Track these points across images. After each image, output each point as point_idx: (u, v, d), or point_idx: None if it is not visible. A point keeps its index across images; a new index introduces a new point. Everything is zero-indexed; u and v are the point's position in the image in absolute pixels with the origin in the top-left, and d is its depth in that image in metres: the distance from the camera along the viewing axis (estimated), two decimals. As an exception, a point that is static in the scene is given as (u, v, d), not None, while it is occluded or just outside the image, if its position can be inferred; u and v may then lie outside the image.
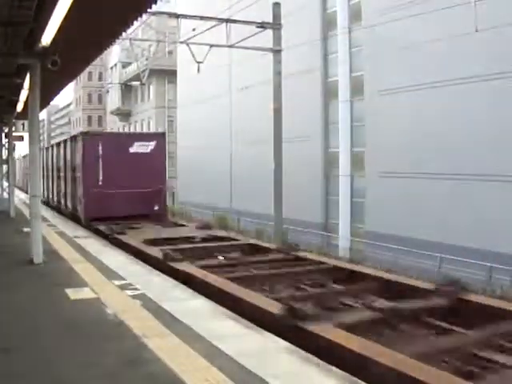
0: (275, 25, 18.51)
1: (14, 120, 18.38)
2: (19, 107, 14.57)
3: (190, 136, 38.00)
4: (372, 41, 20.94)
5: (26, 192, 29.94)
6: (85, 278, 7.52)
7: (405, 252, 16.68)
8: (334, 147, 24.14)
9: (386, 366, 4.12)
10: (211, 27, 18.43)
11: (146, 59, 35.58)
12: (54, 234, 12.75)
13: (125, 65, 51.62)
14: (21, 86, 11.52)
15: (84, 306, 6.09)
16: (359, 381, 3.87)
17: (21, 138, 20.35)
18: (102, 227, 13.18)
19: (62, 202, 18.98)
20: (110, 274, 7.86)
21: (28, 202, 12.29)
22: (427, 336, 5.57)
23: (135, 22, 8.45)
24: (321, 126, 24.86)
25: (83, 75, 60.94)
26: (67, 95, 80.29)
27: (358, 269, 8.58)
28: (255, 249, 10.65)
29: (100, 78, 71.25)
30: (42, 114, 61.54)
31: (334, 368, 4.08)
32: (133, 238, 11.40)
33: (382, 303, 6.49)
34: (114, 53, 51.68)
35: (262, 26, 18.28)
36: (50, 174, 22.03)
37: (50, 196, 22.38)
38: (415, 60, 18.65)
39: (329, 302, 6.73)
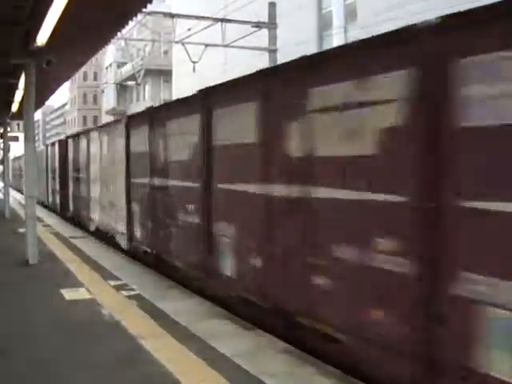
0: (271, 24, 18.53)
1: (8, 120, 18.33)
2: (14, 107, 14.54)
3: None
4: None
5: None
6: (80, 279, 7.50)
7: None
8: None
9: None
10: (207, 27, 18.44)
11: (142, 59, 35.52)
12: (49, 234, 12.70)
13: (120, 65, 51.56)
14: (16, 86, 11.49)
15: (80, 307, 6.06)
16: (357, 381, 3.86)
17: (16, 139, 20.26)
18: None
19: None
20: (105, 274, 7.84)
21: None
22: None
23: (130, 22, 8.45)
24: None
25: (78, 75, 61.02)
26: (62, 95, 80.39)
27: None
28: None
29: (95, 78, 71.23)
30: (37, 115, 61.41)
31: (331, 368, 4.07)
32: None
33: None
34: (109, 52, 51.61)
35: (258, 25, 18.30)
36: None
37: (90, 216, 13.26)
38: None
39: None
